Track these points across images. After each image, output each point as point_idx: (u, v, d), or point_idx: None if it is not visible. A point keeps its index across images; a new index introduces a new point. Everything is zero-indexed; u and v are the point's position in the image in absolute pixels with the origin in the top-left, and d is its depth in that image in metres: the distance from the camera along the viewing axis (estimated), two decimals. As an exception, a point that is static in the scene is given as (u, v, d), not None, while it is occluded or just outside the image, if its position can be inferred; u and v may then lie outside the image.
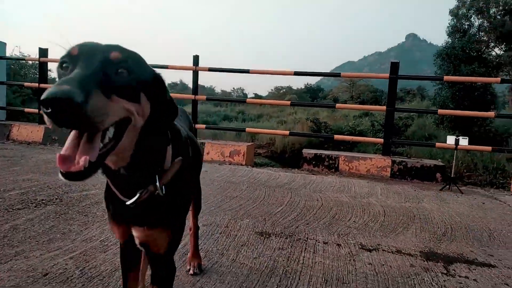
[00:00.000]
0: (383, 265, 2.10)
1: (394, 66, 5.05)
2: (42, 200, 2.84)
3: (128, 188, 0.99)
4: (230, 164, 5.08)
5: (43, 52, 5.94)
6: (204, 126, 5.83)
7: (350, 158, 5.03)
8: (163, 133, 1.00)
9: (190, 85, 5.80)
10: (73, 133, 0.76)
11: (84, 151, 0.74)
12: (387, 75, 5.05)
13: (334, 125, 20.51)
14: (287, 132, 5.79)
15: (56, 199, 2.89)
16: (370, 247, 2.35)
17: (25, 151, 5.04)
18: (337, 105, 5.67)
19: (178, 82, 66.40)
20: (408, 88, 40.03)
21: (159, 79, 0.93)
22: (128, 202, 0.98)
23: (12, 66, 12.03)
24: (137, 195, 0.98)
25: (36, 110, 6.12)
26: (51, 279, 1.71)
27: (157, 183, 0.99)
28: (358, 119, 21.07)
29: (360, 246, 2.35)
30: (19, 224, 2.34)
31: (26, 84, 6.38)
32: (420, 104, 23.93)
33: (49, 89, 0.65)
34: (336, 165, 5.03)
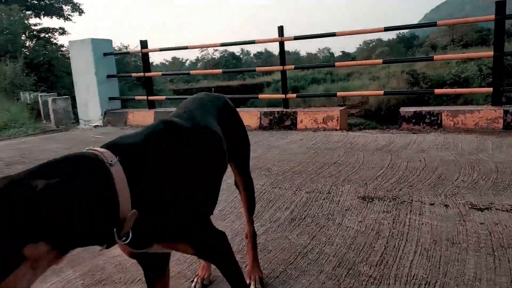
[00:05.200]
0: (497, 224, 2.04)
1: (500, 5, 4.48)
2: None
3: None
4: (324, 130, 5.14)
5: (144, 43, 6.55)
6: (295, 95, 5.93)
7: (454, 112, 4.71)
8: None
9: (275, 52, 5.91)
10: None
11: None
12: (492, 16, 4.52)
13: (434, 74, 18.85)
14: (382, 92, 5.60)
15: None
16: (482, 207, 2.27)
17: (141, 134, 5.72)
18: (435, 56, 5.25)
19: (263, 51, 66.64)
20: (523, 21, 34.71)
21: None
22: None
23: (116, 57, 13.44)
24: None
25: (145, 97, 6.83)
26: (186, 244, 2.04)
27: None
28: (462, 64, 19.02)
29: (470, 206, 2.29)
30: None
31: (133, 74, 7.14)
32: (539, 39, 20.65)
33: None
34: (438, 121, 4.75)
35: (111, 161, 0.84)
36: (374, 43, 53.46)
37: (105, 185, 0.80)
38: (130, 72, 10.96)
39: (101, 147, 0.91)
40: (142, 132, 1.04)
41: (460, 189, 2.58)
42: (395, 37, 57.44)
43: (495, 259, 1.72)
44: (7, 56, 14.02)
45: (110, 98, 7.11)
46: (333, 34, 5.36)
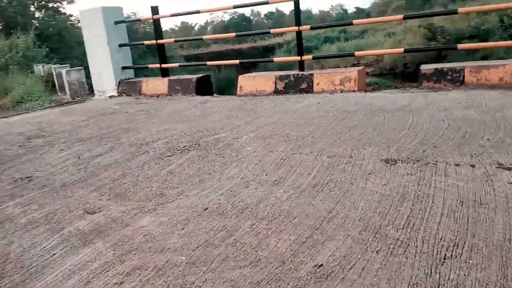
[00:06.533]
0: (526, 183, 1.99)
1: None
2: (185, 146, 3.29)
3: None
4: (341, 92, 5.04)
5: (155, 9, 6.40)
6: (311, 57, 5.77)
7: (478, 68, 4.53)
8: None
9: (286, 12, 5.71)
10: None
11: None
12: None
13: (453, 28, 18.09)
14: (402, 50, 5.40)
15: (195, 144, 3.32)
16: (510, 165, 2.22)
17: (157, 103, 5.72)
18: (460, 9, 4.99)
19: (274, 11, 64.56)
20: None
21: None
22: None
23: (126, 25, 13.24)
24: None
25: (158, 65, 6.76)
26: (211, 212, 2.06)
27: None
28: (482, 16, 18.16)
29: (497, 165, 2.24)
30: (173, 169, 2.79)
31: (145, 42, 7.04)
32: None
33: None
34: (461, 78, 4.59)
35: None
36: (389, -3, 50.96)
37: None
38: (140, 40, 10.78)
39: None
40: None
41: (486, 148, 2.52)
42: (411, -11, 54.66)
43: (525, 219, 1.69)
44: (18, 29, 13.98)
45: (124, 68, 7.06)
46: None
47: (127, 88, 6.96)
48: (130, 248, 1.79)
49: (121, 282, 1.54)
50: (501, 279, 1.35)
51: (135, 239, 1.86)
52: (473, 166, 2.27)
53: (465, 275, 1.39)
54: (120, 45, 6.96)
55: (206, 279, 1.51)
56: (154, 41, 6.64)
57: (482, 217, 1.75)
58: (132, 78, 7.21)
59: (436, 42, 17.03)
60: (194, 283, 1.49)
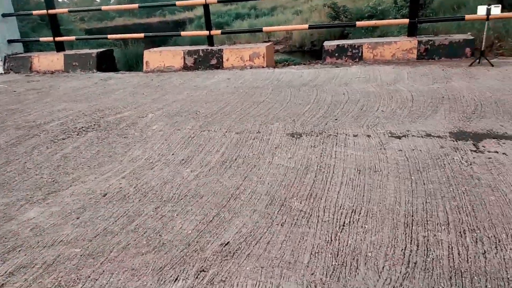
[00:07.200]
0: (413, 150, 2.18)
1: None
2: (82, 127, 3.01)
3: None
4: (251, 68, 5.04)
5: (41, -26, 5.66)
6: (219, 31, 5.65)
7: (374, 45, 4.84)
8: None
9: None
10: None
11: None
12: None
13: (354, 8, 19.22)
14: (307, 26, 5.54)
15: (94, 125, 3.05)
16: (400, 134, 2.42)
17: (51, 81, 5.15)
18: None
19: (183, -16, 62.14)
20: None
21: None
22: None
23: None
24: None
25: (51, 38, 6.06)
26: (111, 198, 1.91)
27: None
28: (379, -3, 19.56)
29: (389, 135, 2.42)
30: (68, 153, 2.53)
31: (34, 12, 6.24)
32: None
33: None
34: (360, 54, 4.88)
35: None
36: (296, -25, 52.31)
37: None
38: (31, 10, 9.49)
39: None
40: None
41: (380, 119, 2.71)
42: (317, -32, 56.67)
43: (412, 183, 1.85)
44: None
45: (10, 41, 6.21)
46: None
47: (15, 64, 6.15)
48: (15, 244, 1.57)
49: (2, 285, 1.35)
50: (392, 241, 1.46)
51: (21, 234, 1.64)
52: (369, 136, 2.43)
53: (361, 240, 1.47)
54: (4, 15, 6.09)
55: (103, 271, 1.39)
56: (44, 11, 5.91)
57: (377, 184, 1.87)
58: (21, 53, 6.39)
59: (339, 21, 17.95)
60: (89, 277, 1.36)
